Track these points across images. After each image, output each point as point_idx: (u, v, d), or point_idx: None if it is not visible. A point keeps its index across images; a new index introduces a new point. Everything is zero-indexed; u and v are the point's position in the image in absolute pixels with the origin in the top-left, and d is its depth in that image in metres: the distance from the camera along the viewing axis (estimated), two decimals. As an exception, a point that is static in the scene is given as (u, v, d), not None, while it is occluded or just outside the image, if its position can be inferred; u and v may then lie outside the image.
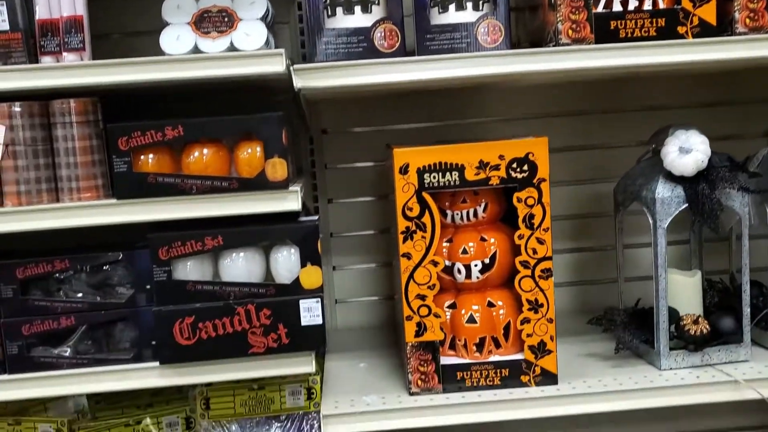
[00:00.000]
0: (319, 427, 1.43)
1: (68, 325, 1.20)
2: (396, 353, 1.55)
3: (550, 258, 1.26)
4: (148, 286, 1.20)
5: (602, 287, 1.69)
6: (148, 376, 1.21)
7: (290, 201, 1.18)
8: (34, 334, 1.19)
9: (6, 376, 1.20)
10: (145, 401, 1.54)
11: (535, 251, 1.26)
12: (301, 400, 1.43)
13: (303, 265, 1.21)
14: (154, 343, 1.20)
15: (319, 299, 1.21)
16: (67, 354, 1.20)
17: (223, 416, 1.43)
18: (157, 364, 1.21)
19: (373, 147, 1.65)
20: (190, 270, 1.21)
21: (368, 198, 1.69)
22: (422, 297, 1.27)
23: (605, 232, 1.68)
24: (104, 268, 1.22)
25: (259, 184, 1.17)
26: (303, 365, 1.23)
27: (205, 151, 1.20)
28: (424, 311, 1.27)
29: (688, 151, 1.29)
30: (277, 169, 1.18)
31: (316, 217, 1.25)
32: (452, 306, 1.33)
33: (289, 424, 1.43)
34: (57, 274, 1.21)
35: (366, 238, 1.71)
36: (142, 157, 1.18)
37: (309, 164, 1.66)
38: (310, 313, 1.21)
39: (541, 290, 1.27)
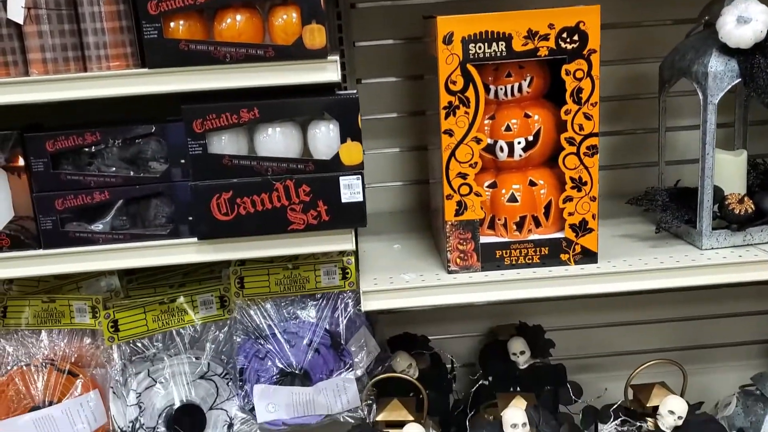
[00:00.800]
0: (354, 305, 1.44)
1: (102, 200, 1.17)
2: (428, 236, 1.53)
3: (596, 134, 1.22)
4: (183, 161, 1.16)
5: (638, 171, 1.65)
6: (185, 251, 1.19)
7: (329, 72, 1.13)
8: (67, 208, 1.17)
9: (41, 251, 1.18)
10: (177, 281, 1.55)
11: (581, 127, 1.21)
12: (336, 279, 1.43)
13: (343, 140, 1.17)
14: (191, 218, 1.18)
15: (360, 176, 1.18)
16: (102, 229, 1.18)
17: (257, 295, 1.43)
18: (194, 239, 1.19)
19: (405, 22, 1.57)
20: (226, 144, 1.17)
21: (399, 78, 1.62)
22: (463, 176, 1.23)
23: (643, 115, 1.63)
24: (137, 141, 1.18)
25: (296, 52, 1.11)
26: (343, 242, 1.21)
27: (239, 17, 1.12)
28: (464, 190, 1.24)
29: (746, 20, 1.22)
30: (315, 36, 1.11)
31: (355, 91, 1.19)
32: (492, 185, 1.30)
33: (323, 303, 1.43)
34: (88, 148, 1.17)
35: (396, 121, 1.66)
36: (172, 23, 1.11)
37: (336, 42, 1.59)
38: (350, 190, 1.18)
39: (586, 168, 1.23)
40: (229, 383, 1.44)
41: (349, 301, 1.43)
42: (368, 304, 1.23)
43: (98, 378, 1.41)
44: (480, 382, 1.65)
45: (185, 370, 1.41)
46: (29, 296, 1.43)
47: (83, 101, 1.12)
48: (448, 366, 1.72)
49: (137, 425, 1.36)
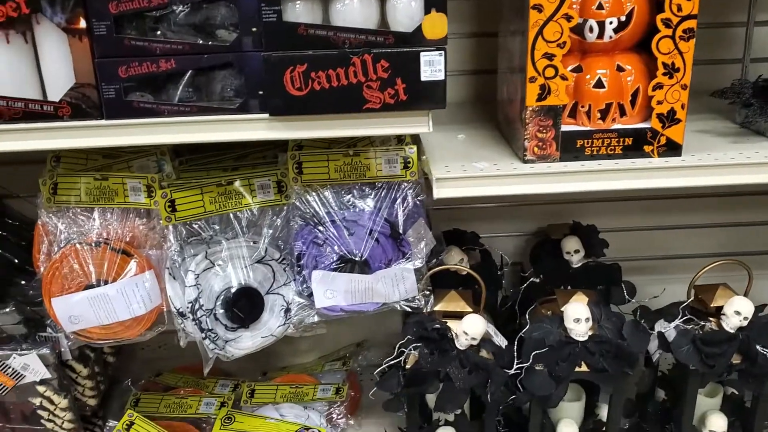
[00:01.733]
0: (415, 195, 1.40)
1: (168, 68, 1.09)
2: (491, 127, 1.47)
3: (695, 16, 1.13)
4: (255, 29, 1.08)
5: (718, 68, 1.57)
6: (255, 127, 1.13)
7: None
8: (131, 76, 1.09)
9: (103, 122, 1.12)
10: (230, 164, 1.49)
11: (679, 8, 1.13)
12: (397, 168, 1.37)
13: (427, 11, 1.09)
14: (261, 93, 1.11)
15: (443, 52, 1.10)
16: (168, 100, 1.12)
17: (316, 181, 1.39)
18: (265, 115, 1.12)
19: None
20: (300, 12, 1.09)
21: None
22: (550, 56, 1.16)
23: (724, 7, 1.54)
24: (204, 6, 1.09)
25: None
26: (419, 125, 1.14)
27: None
28: (550, 72, 1.17)
29: None
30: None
31: (440, -44, 1.10)
32: (577, 70, 1.22)
33: (384, 192, 1.39)
34: (153, 11, 1.08)
35: (458, 3, 1.56)
36: None
37: None
38: (431, 67, 1.11)
39: (680, 53, 1.15)
40: (286, 269, 1.41)
41: (409, 191, 1.39)
42: (441, 192, 1.19)
43: (153, 259, 1.38)
44: (530, 280, 1.63)
45: (243, 253, 1.38)
46: (81, 173, 1.38)
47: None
48: (498, 263, 1.70)
49: (196, 306, 1.34)
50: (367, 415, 1.75)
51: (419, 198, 1.38)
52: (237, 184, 1.38)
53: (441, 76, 1.11)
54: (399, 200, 1.39)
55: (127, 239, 1.36)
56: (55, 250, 1.38)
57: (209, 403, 1.72)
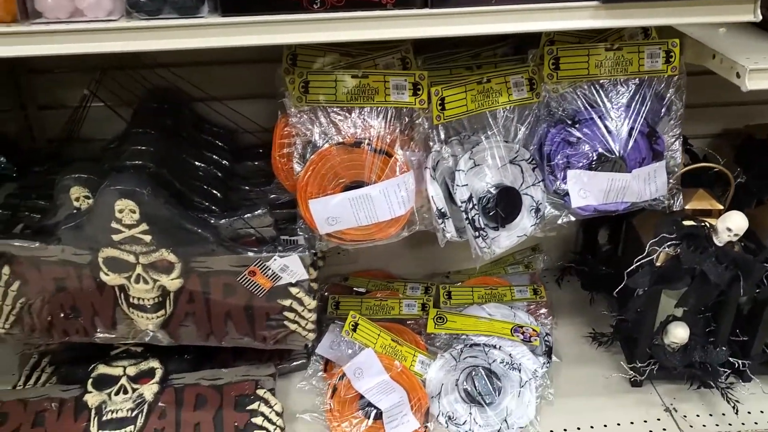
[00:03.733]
0: (676, 92, 1.38)
1: (504, -47, 1.05)
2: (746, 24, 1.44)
3: None
4: None
5: None
6: (581, 16, 1.09)
7: None
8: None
9: (427, 11, 1.07)
10: (468, 63, 1.46)
11: None
12: (659, 63, 1.36)
13: None
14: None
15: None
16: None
17: (573, 77, 1.37)
18: (593, 3, 1.09)
19: None
20: None
21: None
22: None
23: None
24: None
25: None
26: (743, 13, 1.11)
27: None
28: None
29: None
30: None
31: None
32: None
33: (643, 89, 1.37)
34: None
35: None
36: None
37: None
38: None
39: None
40: (535, 169, 1.41)
41: (669, 87, 1.37)
42: (754, 83, 1.17)
43: (412, 159, 1.36)
44: (737, 180, 1.65)
45: (500, 153, 1.37)
46: (336, 71, 1.34)
47: None
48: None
49: (469, 206, 1.33)
50: (558, 316, 1.79)
51: (680, 94, 1.37)
52: (497, 81, 1.35)
53: (775, -38, 1.08)
54: (657, 97, 1.37)
55: (388, 139, 1.34)
56: (309, 151, 1.36)
57: (410, 305, 1.75)
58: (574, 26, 1.10)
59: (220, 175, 1.53)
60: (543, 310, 1.72)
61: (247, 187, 1.53)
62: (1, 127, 1.59)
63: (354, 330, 1.56)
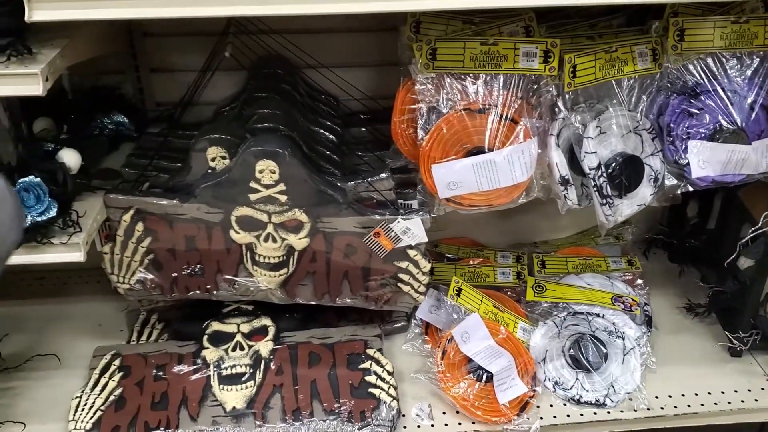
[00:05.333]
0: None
1: None
2: None
3: None
4: None
5: None
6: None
7: None
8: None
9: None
10: (586, 32, 1.47)
11: None
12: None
13: None
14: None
15: None
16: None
17: (697, 49, 1.38)
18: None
19: None
20: None
21: None
22: None
23: None
24: None
25: None
26: None
27: None
28: None
29: None
30: None
31: None
32: None
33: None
34: None
35: None
36: None
37: None
38: None
39: None
40: (654, 139, 1.43)
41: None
42: None
43: (534, 126, 1.38)
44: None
45: (624, 122, 1.39)
46: (465, 38, 1.36)
47: None
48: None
49: (598, 173, 1.35)
50: (650, 288, 1.82)
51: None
52: (624, 50, 1.36)
53: None
54: (781, 70, 1.38)
55: (515, 106, 1.36)
56: (433, 117, 1.38)
57: (505, 273, 1.79)
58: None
59: (334, 139, 1.55)
60: (639, 281, 1.75)
61: (360, 153, 1.56)
62: (118, 89, 1.62)
63: (458, 295, 1.60)
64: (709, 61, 1.38)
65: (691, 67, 1.39)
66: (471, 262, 1.82)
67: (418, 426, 1.44)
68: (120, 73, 1.65)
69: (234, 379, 1.46)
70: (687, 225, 1.87)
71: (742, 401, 1.48)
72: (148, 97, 1.70)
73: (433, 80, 1.37)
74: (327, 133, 1.55)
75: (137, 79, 1.66)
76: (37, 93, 1.07)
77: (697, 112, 1.39)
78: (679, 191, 1.44)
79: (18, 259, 1.19)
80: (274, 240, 1.38)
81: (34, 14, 1.03)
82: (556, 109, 1.36)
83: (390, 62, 1.54)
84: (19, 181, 1.17)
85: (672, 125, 1.41)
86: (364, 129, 1.66)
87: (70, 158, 1.25)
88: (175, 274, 1.44)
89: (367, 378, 1.48)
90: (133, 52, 1.63)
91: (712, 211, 1.78)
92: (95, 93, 1.57)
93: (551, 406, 1.49)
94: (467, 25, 1.42)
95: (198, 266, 1.43)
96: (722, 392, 1.51)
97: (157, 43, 1.64)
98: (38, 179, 1.18)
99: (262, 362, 1.49)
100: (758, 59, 1.38)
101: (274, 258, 1.41)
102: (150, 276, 1.44)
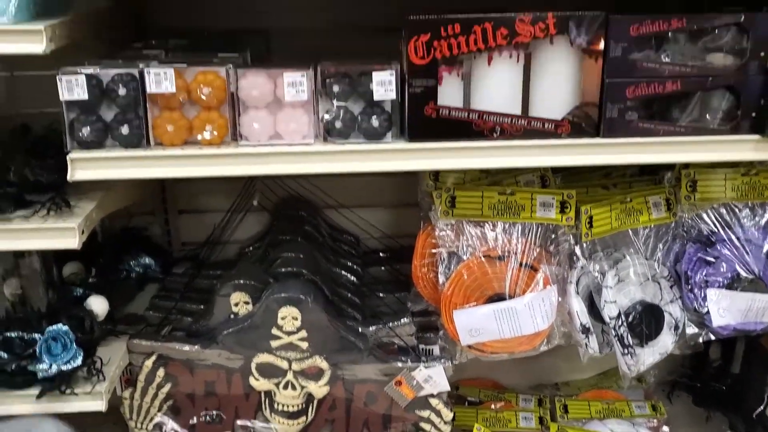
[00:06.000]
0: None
1: (674, 89, 1.13)
2: None
3: None
4: (763, 53, 1.11)
5: None
6: (744, 148, 1.16)
7: None
8: (636, 97, 1.13)
9: (598, 140, 1.15)
10: (601, 182, 1.52)
11: None
12: (795, 188, 1.40)
13: None
14: (755, 114, 1.14)
15: None
16: (664, 120, 1.14)
17: (710, 200, 1.42)
18: (756, 136, 1.15)
19: None
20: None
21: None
22: None
23: None
24: (712, 30, 1.12)
25: None
26: None
27: None
28: None
29: None
30: None
31: None
32: None
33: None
34: (667, 34, 1.11)
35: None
36: None
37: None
38: None
39: None
40: (672, 286, 1.44)
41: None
42: None
43: (553, 274, 1.40)
44: None
45: (642, 270, 1.41)
46: (483, 187, 1.41)
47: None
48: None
49: (618, 323, 1.36)
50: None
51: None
52: (638, 200, 1.41)
53: None
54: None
55: (535, 254, 1.39)
56: (453, 263, 1.41)
57: (527, 418, 1.74)
58: (738, 158, 1.17)
59: (355, 281, 1.58)
60: (664, 428, 1.70)
61: (380, 294, 1.58)
62: (146, 230, 1.67)
63: (483, 442, 1.56)
64: (722, 210, 1.42)
65: (705, 216, 1.42)
66: (492, 407, 1.78)
67: None
68: (149, 214, 1.71)
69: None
70: (710, 368, 1.84)
71: None
72: (175, 238, 1.75)
73: (453, 226, 1.41)
74: (348, 275, 1.57)
75: (165, 220, 1.72)
76: (73, 247, 1.12)
77: (714, 260, 1.41)
78: (700, 339, 1.43)
79: (40, 407, 1.18)
80: (294, 387, 1.37)
81: (77, 174, 1.08)
82: (575, 257, 1.39)
83: (409, 203, 1.59)
84: (48, 329, 1.19)
85: (690, 273, 1.42)
86: (383, 268, 1.69)
87: (98, 306, 1.28)
88: (194, 420, 1.42)
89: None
90: (163, 195, 1.70)
91: (734, 355, 1.76)
92: (124, 235, 1.62)
93: None
94: (484, 173, 1.48)
95: (216, 412, 1.41)
96: None
97: (186, 187, 1.71)
98: (66, 327, 1.20)
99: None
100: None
101: (292, 406, 1.39)
102: (168, 421, 1.43)
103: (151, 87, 1.10)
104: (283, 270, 1.40)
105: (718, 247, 1.41)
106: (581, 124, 1.14)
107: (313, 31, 1.47)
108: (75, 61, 1.13)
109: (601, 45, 1.11)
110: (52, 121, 1.31)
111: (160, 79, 1.10)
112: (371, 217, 1.77)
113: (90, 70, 1.10)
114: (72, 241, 1.11)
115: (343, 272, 1.56)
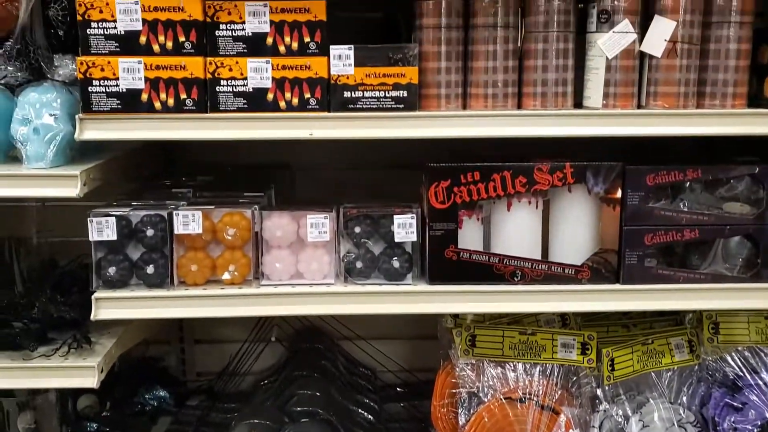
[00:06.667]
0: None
1: (692, 237, 1.14)
2: None
3: None
4: (776, 203, 1.14)
5: None
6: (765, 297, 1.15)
7: None
8: (655, 244, 1.14)
9: (618, 286, 1.15)
10: (620, 322, 1.51)
11: None
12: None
13: None
14: None
15: None
16: (682, 267, 1.15)
17: (732, 343, 1.39)
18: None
19: None
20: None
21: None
22: None
23: None
24: (729, 180, 1.15)
25: None
26: None
27: None
28: None
29: None
30: None
31: None
32: None
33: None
34: (683, 184, 1.14)
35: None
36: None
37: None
38: None
39: None
40: (700, 432, 1.39)
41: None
42: None
43: (575, 417, 1.37)
44: None
45: (667, 415, 1.36)
46: (503, 327, 1.40)
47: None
48: None
49: (646, 470, 1.31)
50: None
51: None
52: (660, 342, 1.39)
53: None
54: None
55: (556, 396, 1.36)
56: (473, 403, 1.38)
57: None
58: (759, 306, 1.17)
59: (372, 419, 1.54)
60: None
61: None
62: (162, 360, 1.66)
63: None
64: (747, 354, 1.39)
65: (729, 359, 1.39)
66: None
67: None
68: (165, 343, 1.70)
69: None
70: None
71: None
72: (190, 367, 1.73)
73: (473, 366, 1.39)
74: (365, 413, 1.54)
75: (181, 349, 1.71)
76: (92, 386, 1.11)
77: (742, 406, 1.37)
78: (734, 489, 1.37)
79: None
80: None
81: (101, 313, 1.09)
82: (597, 400, 1.36)
83: (427, 335, 1.58)
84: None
85: (717, 419, 1.38)
86: (401, 405, 1.65)
87: (111, 445, 1.25)
88: None
89: None
90: (180, 324, 1.70)
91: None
92: (140, 365, 1.61)
93: None
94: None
95: None
96: None
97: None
98: (78, 469, 1.17)
99: None
100: (797, 353, 1.38)
101: None
102: None
103: (179, 228, 1.13)
104: (299, 409, 1.37)
105: (746, 393, 1.37)
106: (601, 269, 1.15)
107: (336, 168, 1.52)
108: (105, 196, 1.16)
109: (619, 193, 1.13)
110: (80, 255, 1.35)
111: (188, 221, 1.13)
112: (389, 349, 1.75)
113: (120, 212, 1.13)
114: (91, 380, 1.11)
115: (360, 410, 1.53)
